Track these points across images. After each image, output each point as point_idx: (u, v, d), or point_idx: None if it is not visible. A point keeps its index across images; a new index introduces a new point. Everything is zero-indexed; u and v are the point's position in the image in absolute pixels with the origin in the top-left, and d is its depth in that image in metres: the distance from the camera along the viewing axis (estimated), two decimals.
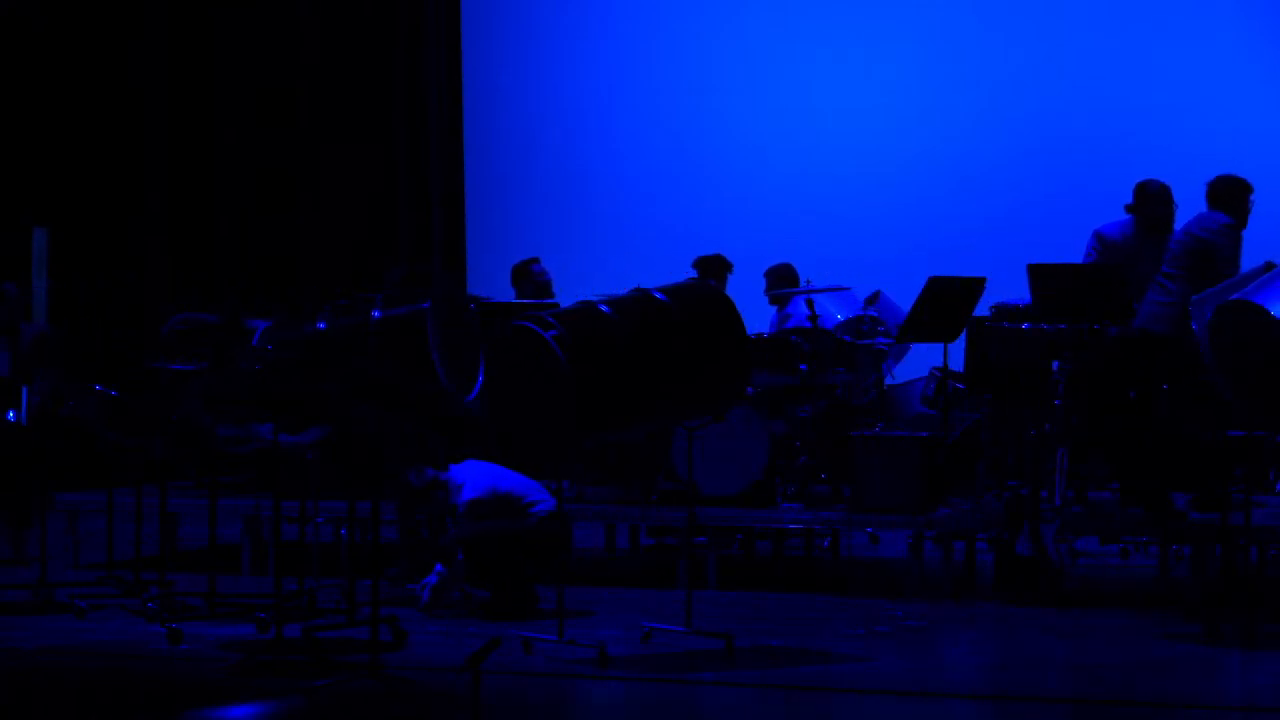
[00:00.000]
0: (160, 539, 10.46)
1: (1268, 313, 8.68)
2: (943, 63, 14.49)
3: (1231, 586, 9.78)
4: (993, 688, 8.48)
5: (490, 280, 14.31)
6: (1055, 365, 10.52)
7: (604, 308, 8.62)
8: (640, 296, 8.76)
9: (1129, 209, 10.78)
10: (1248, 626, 9.07)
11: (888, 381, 12.04)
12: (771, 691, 8.20)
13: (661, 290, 8.76)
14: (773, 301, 12.39)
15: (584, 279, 12.61)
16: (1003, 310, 10.90)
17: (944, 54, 14.50)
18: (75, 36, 15.66)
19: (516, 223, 15.07)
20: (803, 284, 11.56)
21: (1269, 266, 9.43)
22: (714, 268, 12.09)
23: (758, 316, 12.19)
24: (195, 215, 15.83)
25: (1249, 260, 10.18)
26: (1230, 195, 10.23)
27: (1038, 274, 10.53)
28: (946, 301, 11.14)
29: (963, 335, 11.35)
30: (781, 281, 12.17)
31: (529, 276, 12.20)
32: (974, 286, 11.23)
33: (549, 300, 11.89)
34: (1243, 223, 10.21)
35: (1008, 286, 11.12)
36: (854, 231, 13.78)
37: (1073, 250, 11.18)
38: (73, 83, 15.63)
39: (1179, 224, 10.52)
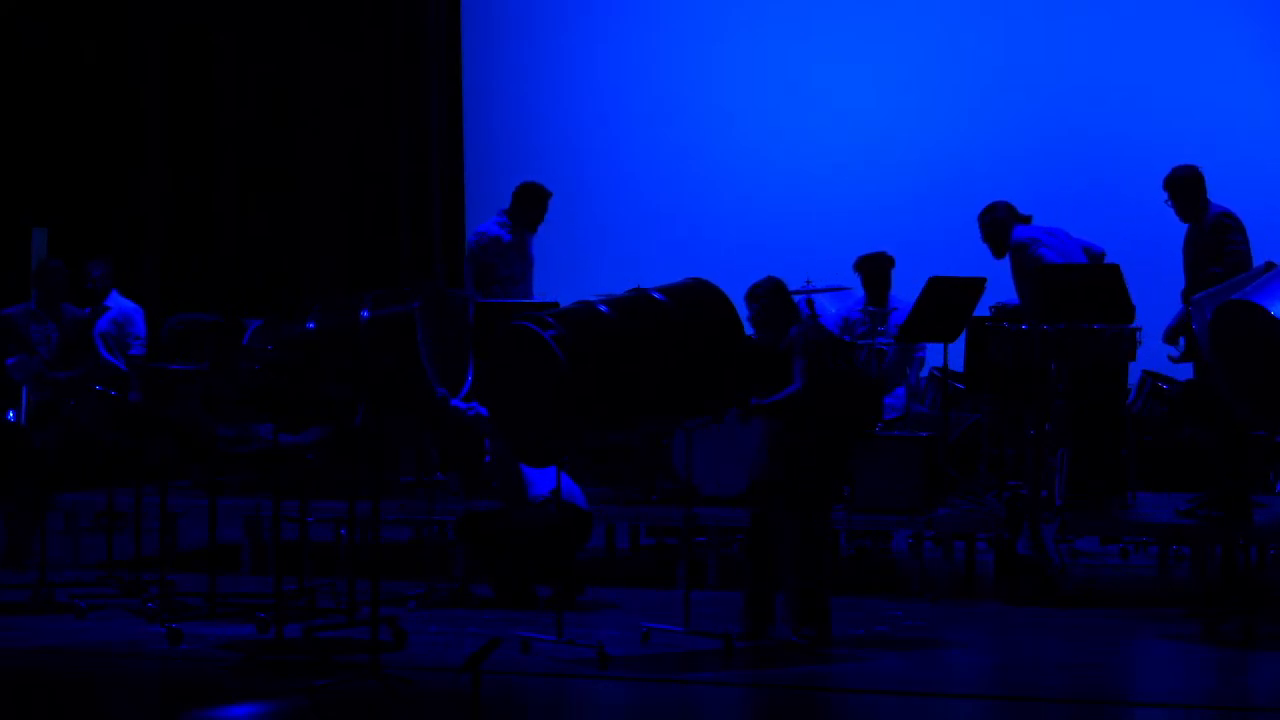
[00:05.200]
0: (160, 539, 10.47)
1: (1268, 313, 8.69)
2: (942, 62, 14.48)
3: (1231, 586, 9.78)
4: (993, 688, 8.48)
5: None
6: (1054, 365, 10.52)
7: (603, 308, 8.62)
8: (639, 296, 8.77)
9: None
10: (1248, 626, 9.08)
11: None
12: (771, 691, 8.21)
13: (661, 290, 8.76)
14: None
15: (583, 279, 12.62)
16: (1003, 310, 10.91)
17: (943, 54, 14.48)
18: (74, 37, 15.66)
19: None
20: (803, 284, 11.57)
21: (1269, 266, 9.43)
22: (879, 264, 12.10)
23: None
24: (195, 215, 15.82)
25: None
26: None
27: (1038, 274, 10.54)
28: (946, 301, 11.14)
29: (963, 335, 11.36)
30: None
31: None
32: (974, 286, 11.24)
33: (549, 301, 11.89)
34: None
35: (1008, 286, 11.12)
36: (854, 231, 13.76)
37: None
38: (72, 82, 15.62)
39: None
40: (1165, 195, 10.52)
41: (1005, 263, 11.12)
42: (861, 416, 9.63)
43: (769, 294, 9.17)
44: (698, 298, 8.80)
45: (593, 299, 8.78)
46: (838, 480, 9.03)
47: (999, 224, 11.06)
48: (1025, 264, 10.80)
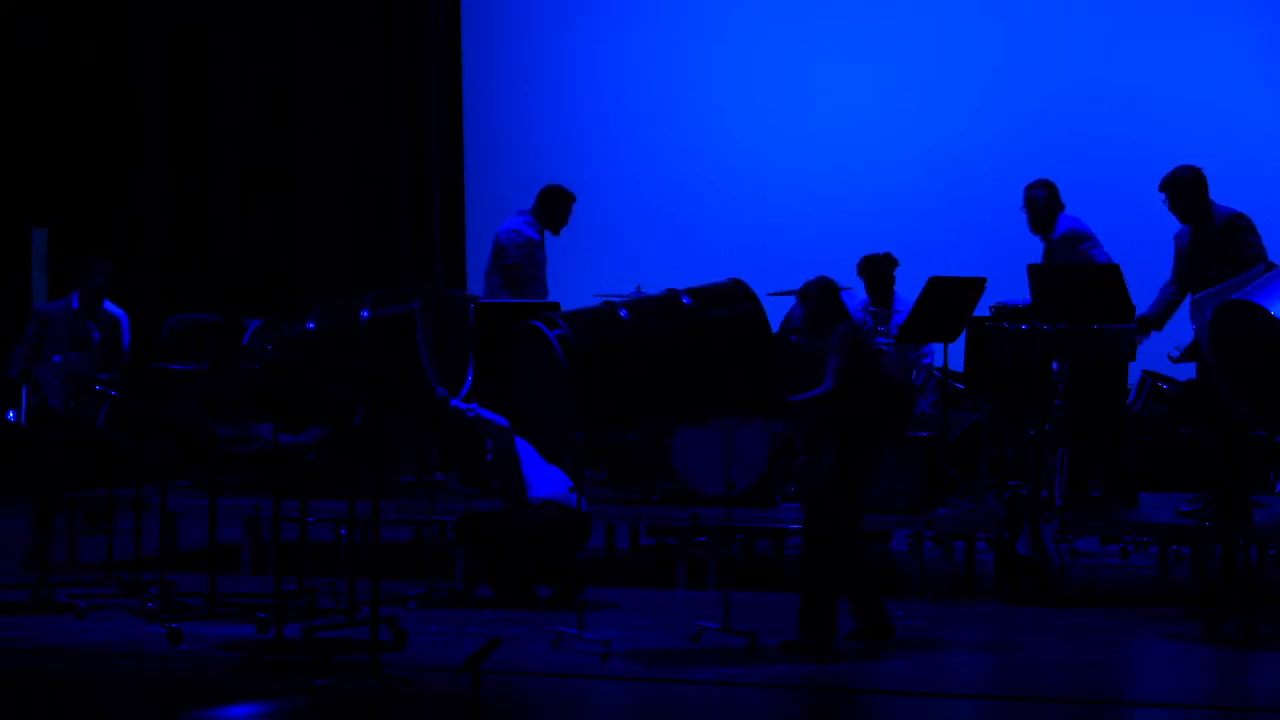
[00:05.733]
0: (160, 539, 10.46)
1: (1268, 313, 8.69)
2: (942, 61, 14.48)
3: (1231, 586, 9.78)
4: (993, 688, 8.48)
5: None
6: (1055, 365, 10.52)
7: (622, 311, 8.67)
8: (666, 298, 8.78)
9: None
10: (1248, 626, 9.07)
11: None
12: (772, 691, 8.21)
13: (691, 291, 8.75)
14: None
15: (584, 279, 12.62)
16: (1003, 310, 10.90)
17: (943, 53, 14.49)
18: (74, 37, 15.66)
19: None
20: (803, 284, 11.55)
21: (1269, 266, 9.42)
22: (882, 265, 12.13)
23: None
24: (195, 215, 15.83)
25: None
26: None
27: (1038, 274, 10.53)
28: (947, 301, 11.14)
29: (963, 335, 11.36)
30: None
31: None
32: (974, 286, 11.23)
33: (551, 300, 11.93)
34: None
35: (1008, 286, 11.12)
36: (855, 231, 13.77)
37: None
38: (72, 82, 15.63)
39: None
40: (1164, 196, 10.46)
41: (1005, 262, 11.12)
42: (889, 423, 9.55)
43: (817, 294, 9.17)
44: (725, 300, 8.81)
45: (618, 299, 8.86)
46: (853, 485, 8.94)
47: (1049, 203, 11.08)
48: (1074, 256, 10.77)
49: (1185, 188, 10.36)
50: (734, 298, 8.80)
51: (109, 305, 12.00)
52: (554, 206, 12.11)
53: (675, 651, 8.87)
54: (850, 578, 8.94)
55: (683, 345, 8.61)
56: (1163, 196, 10.42)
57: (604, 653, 8.64)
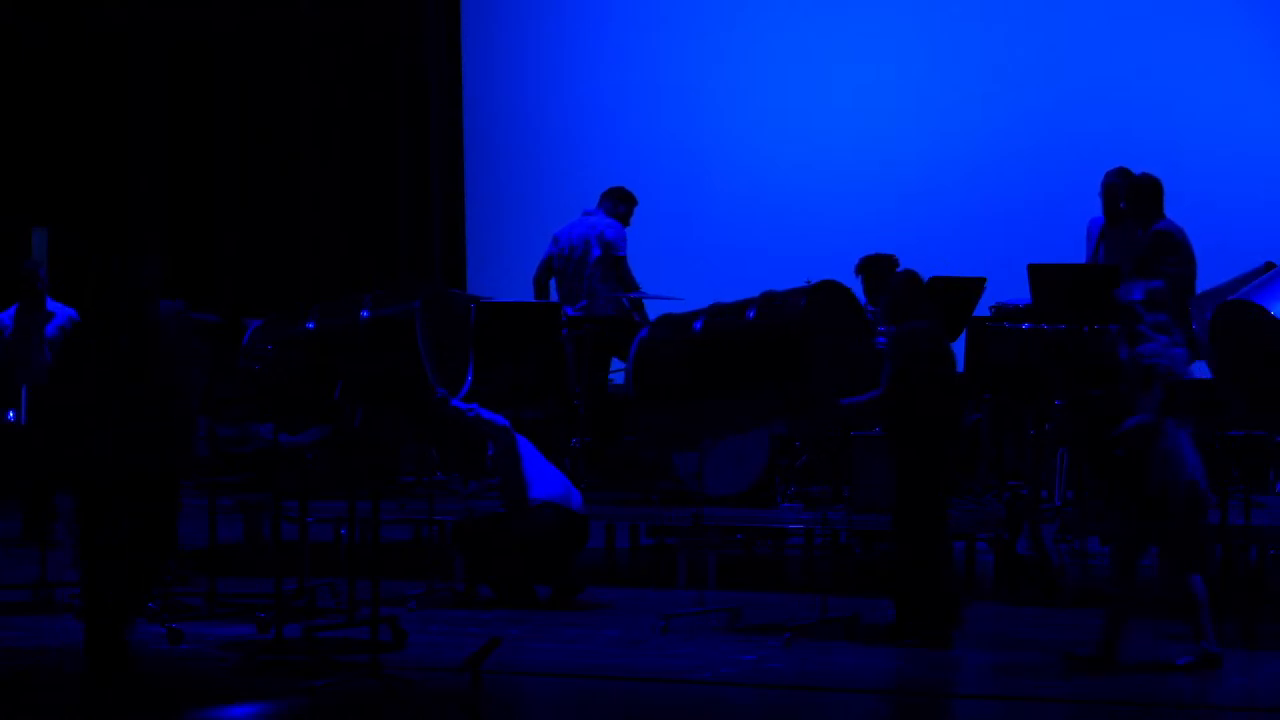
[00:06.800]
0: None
1: (1268, 313, 8.69)
2: (942, 61, 14.48)
3: (1231, 586, 9.78)
4: (993, 688, 8.48)
5: (490, 280, 14.31)
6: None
7: (696, 324, 9.04)
8: (742, 302, 9.09)
9: None
10: (1248, 626, 9.07)
11: None
12: (772, 691, 8.21)
13: (779, 298, 9.05)
14: None
15: None
16: (1003, 310, 10.90)
17: (943, 53, 14.48)
18: (74, 36, 15.67)
19: (516, 223, 15.08)
20: (802, 284, 11.55)
21: (1269, 266, 9.43)
22: (882, 266, 12.16)
23: None
24: (195, 215, 15.83)
25: (1249, 260, 10.20)
26: None
27: (1038, 274, 10.54)
28: (946, 301, 11.13)
29: (963, 335, 11.35)
30: None
31: None
32: (974, 286, 11.23)
33: (552, 300, 11.95)
34: None
35: (1008, 286, 11.12)
36: (854, 231, 13.77)
37: (1073, 250, 11.19)
38: (72, 82, 15.63)
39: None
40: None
41: (1005, 262, 11.12)
42: (943, 422, 9.51)
43: (897, 287, 9.26)
44: (784, 300, 8.99)
45: (717, 305, 9.31)
46: (916, 485, 8.99)
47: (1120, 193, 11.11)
48: (1162, 253, 10.79)
49: (1144, 193, 10.49)
50: (791, 299, 8.98)
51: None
52: (630, 207, 12.33)
53: (676, 650, 8.88)
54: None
55: (731, 363, 8.79)
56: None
57: (664, 625, 8.97)
